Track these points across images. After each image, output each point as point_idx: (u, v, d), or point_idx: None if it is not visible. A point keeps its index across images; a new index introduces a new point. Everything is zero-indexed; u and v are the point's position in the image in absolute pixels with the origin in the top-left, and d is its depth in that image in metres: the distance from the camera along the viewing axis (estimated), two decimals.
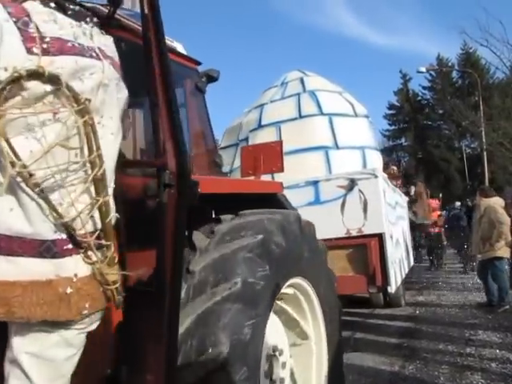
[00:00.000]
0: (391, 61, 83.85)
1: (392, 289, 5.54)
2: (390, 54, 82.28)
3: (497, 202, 8.01)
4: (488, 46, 27.19)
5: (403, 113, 49.63)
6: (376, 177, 5.55)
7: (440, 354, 5.29)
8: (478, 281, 8.91)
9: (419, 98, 50.22)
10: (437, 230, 15.15)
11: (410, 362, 5.04)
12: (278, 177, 6.64)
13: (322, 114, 6.49)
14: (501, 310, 7.39)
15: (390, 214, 6.25)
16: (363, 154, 6.46)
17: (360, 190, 5.63)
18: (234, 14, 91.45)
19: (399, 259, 6.93)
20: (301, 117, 6.54)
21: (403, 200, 9.74)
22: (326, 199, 5.80)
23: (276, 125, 6.62)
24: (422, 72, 32.12)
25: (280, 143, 3.65)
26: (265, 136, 6.63)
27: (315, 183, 5.86)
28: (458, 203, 16.56)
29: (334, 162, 6.26)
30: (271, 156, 3.63)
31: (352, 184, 5.68)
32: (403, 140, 50.71)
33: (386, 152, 47.66)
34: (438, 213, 16.46)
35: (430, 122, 48.78)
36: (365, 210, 5.60)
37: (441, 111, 47.07)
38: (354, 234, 5.67)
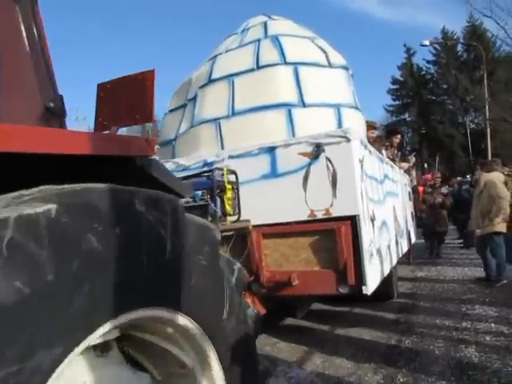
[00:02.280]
0: (395, 34, 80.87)
1: (368, 289, 4.04)
2: (394, 27, 79.32)
3: (497, 176, 7.69)
4: (492, 17, 25.78)
5: (407, 88, 47.85)
6: (348, 140, 4.01)
7: (436, 328, 5.25)
8: (477, 256, 8.62)
9: (423, 72, 48.27)
10: (443, 211, 12.15)
11: (406, 336, 5.02)
12: (230, 142, 5.20)
13: (285, 63, 4.86)
14: (498, 285, 7.28)
15: (371, 190, 4.71)
16: (338, 114, 4.86)
17: (327, 159, 4.10)
18: None
19: (387, 245, 5.42)
20: (258, 67, 4.93)
21: (398, 172, 8.13)
22: (283, 171, 4.28)
23: (228, 78, 5.03)
24: (425, 45, 30.84)
25: (151, 74, 2.08)
26: (215, 92, 5.07)
27: (271, 150, 4.33)
28: (467, 176, 14.92)
29: (299, 123, 4.67)
30: (138, 96, 2.09)
31: (317, 150, 4.15)
32: (407, 115, 49.15)
33: (389, 127, 46.48)
34: (421, 188, 13.51)
35: (433, 97, 46.92)
36: (333, 184, 4.08)
37: (445, 86, 45.38)
38: (319, 216, 4.15)
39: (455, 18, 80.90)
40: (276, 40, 5.11)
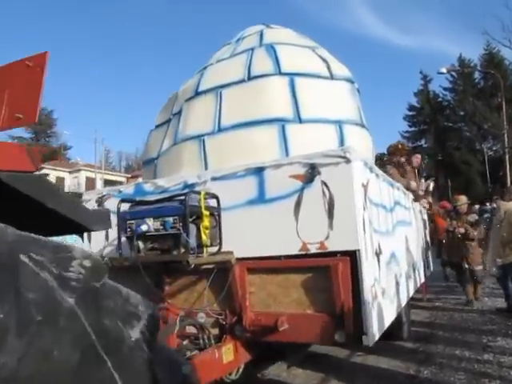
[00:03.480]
0: (412, 61, 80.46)
1: (369, 339, 3.26)
2: (410, 55, 79.05)
3: None
4: (511, 47, 25.19)
5: (423, 114, 47.07)
6: (349, 161, 3.30)
7: (456, 359, 4.95)
8: (498, 286, 8.21)
9: (440, 99, 47.50)
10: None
11: (425, 366, 4.74)
12: (214, 162, 4.52)
13: (279, 73, 4.18)
14: None
15: (377, 220, 3.99)
16: (340, 131, 4.15)
17: (323, 183, 3.39)
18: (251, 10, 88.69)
19: (396, 283, 4.65)
20: (249, 78, 4.25)
21: (410, 198, 7.31)
22: (273, 196, 3.57)
23: (216, 90, 4.35)
24: (442, 73, 30.36)
25: (42, 58, 1.43)
26: (201, 106, 4.42)
27: (259, 172, 3.63)
28: (487, 204, 14.02)
29: (294, 141, 3.97)
30: (22, 89, 1.43)
31: (312, 173, 3.44)
32: (423, 142, 48.19)
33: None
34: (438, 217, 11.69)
35: (450, 124, 46.00)
36: (330, 213, 3.36)
37: (462, 113, 44.52)
38: (312, 250, 3.42)
39: (472, 45, 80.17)
40: (271, 48, 4.45)
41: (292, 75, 4.23)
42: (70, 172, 45.61)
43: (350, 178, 3.33)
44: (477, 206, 14.49)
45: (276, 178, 3.59)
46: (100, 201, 4.45)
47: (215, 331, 3.83)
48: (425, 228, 9.27)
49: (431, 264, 9.50)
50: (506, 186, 15.46)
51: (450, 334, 6.16)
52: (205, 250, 3.48)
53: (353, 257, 3.31)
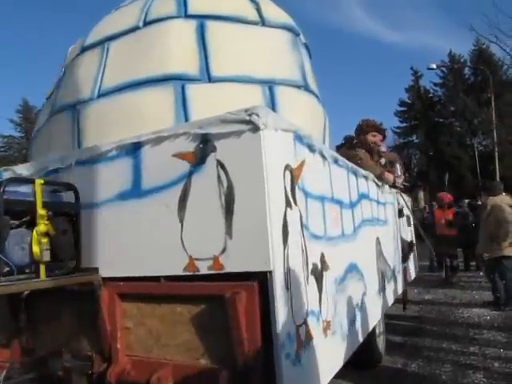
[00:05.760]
0: (402, 57, 78.57)
1: None
2: (401, 51, 77.17)
3: (503, 199, 7.43)
4: (497, 43, 24.59)
5: (414, 110, 45.51)
6: (256, 129, 2.00)
7: (443, 352, 4.93)
8: (486, 279, 8.23)
9: (430, 94, 45.97)
10: (452, 231, 10.46)
11: (412, 360, 4.70)
12: (90, 138, 3.13)
13: (184, 15, 2.92)
14: (507, 309, 6.94)
15: (320, 221, 2.66)
16: (270, 95, 2.82)
17: (220, 164, 2.08)
18: None
19: (356, 305, 3.34)
20: (146, 24, 2.98)
21: (388, 192, 5.90)
22: (150, 186, 2.25)
23: (103, 44, 3.01)
24: (432, 69, 29.85)
25: None
26: (83, 66, 3.09)
27: (134, 150, 2.33)
28: (465, 201, 13.33)
29: (199, 107, 2.60)
30: None
31: (203, 148, 2.14)
32: (414, 137, 46.74)
33: (397, 149, 44.27)
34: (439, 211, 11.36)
35: (441, 119, 44.45)
36: (228, 212, 2.02)
37: (452, 108, 43.07)
38: (203, 270, 2.10)
39: (462, 41, 78.26)
40: None
41: (202, 18, 2.88)
42: None
43: (258, 156, 2.01)
44: (466, 201, 13.27)
45: (155, 158, 2.28)
46: None
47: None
48: (408, 225, 7.89)
49: (415, 267, 8.16)
50: (487, 182, 14.72)
51: (438, 327, 6.12)
52: (41, 268, 2.17)
53: (262, 283, 2.00)
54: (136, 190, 2.32)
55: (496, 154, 25.25)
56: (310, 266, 2.38)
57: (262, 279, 1.98)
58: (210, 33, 2.85)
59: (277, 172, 2.11)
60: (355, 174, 3.91)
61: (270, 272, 1.95)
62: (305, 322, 2.19)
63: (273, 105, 2.85)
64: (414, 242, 8.32)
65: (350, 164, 3.77)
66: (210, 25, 2.87)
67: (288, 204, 2.17)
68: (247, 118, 2.01)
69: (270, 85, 2.87)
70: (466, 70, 43.81)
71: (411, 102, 45.92)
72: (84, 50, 3.18)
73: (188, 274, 2.14)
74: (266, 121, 2.02)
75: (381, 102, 68.81)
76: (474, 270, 11.66)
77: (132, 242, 2.31)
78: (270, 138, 2.06)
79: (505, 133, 25.81)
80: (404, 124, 47.01)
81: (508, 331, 5.66)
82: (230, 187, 2.05)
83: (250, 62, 2.86)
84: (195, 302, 2.18)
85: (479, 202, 11.27)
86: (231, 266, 2.03)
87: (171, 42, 2.79)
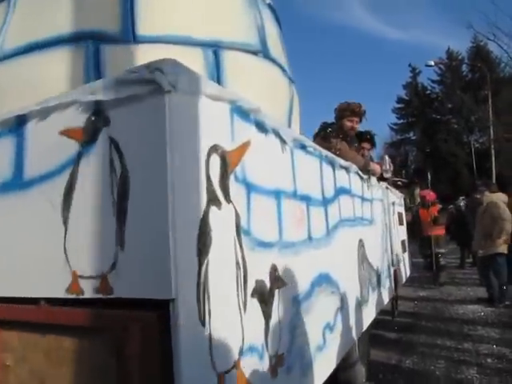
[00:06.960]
0: (400, 54, 78.03)
1: None
2: (399, 48, 76.68)
3: (499, 197, 7.42)
4: (495, 41, 24.35)
5: (412, 106, 44.99)
6: (160, 91, 1.32)
7: (437, 348, 4.95)
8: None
9: (428, 91, 45.35)
10: (438, 231, 9.70)
11: (406, 356, 4.71)
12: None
13: None
14: (501, 306, 6.94)
15: (274, 223, 2.01)
16: (214, 60, 2.13)
17: (113, 142, 1.44)
18: None
19: (326, 324, 2.68)
20: None
21: (376, 186, 5.20)
22: (34, 174, 1.60)
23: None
24: (430, 66, 29.73)
25: None
26: None
27: (18, 127, 1.66)
28: (461, 198, 13.27)
29: (117, 73, 2.03)
30: None
31: (94, 122, 1.51)
32: (411, 134, 46.27)
33: (394, 146, 43.68)
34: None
35: (438, 116, 43.91)
36: (120, 211, 1.42)
37: (450, 105, 42.46)
38: (88, 293, 1.47)
39: (460, 39, 77.58)
40: None
41: None
42: None
43: (160, 131, 1.35)
44: (461, 198, 12.83)
45: (42, 136, 1.63)
46: None
47: None
48: (400, 223, 7.21)
49: (409, 267, 7.53)
50: (481, 180, 14.53)
51: (433, 324, 6.11)
52: None
53: (162, 315, 1.35)
54: (17, 179, 1.67)
55: (492, 151, 25.13)
56: (251, 286, 1.73)
57: (164, 310, 1.34)
58: None
59: (193, 155, 1.45)
60: (332, 163, 3.23)
61: (173, 300, 1.30)
62: (235, 366, 1.54)
63: (218, 73, 2.19)
64: (406, 240, 7.69)
65: (325, 152, 3.10)
66: None
67: (213, 201, 1.52)
68: (148, 75, 1.36)
69: (214, 48, 2.20)
70: (464, 68, 43.28)
71: (409, 98, 45.42)
72: None
73: (66, 297, 1.50)
74: (176, 80, 1.37)
75: (379, 98, 68.03)
76: (469, 266, 11.47)
77: (9, 250, 1.67)
78: (183, 105, 1.41)
79: (501, 130, 25.54)
80: (401, 121, 46.59)
81: (501, 327, 5.70)
82: (125, 177, 1.41)
83: (189, 19, 2.19)
84: (84, 335, 1.54)
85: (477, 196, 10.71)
86: (121, 289, 1.39)
87: None
